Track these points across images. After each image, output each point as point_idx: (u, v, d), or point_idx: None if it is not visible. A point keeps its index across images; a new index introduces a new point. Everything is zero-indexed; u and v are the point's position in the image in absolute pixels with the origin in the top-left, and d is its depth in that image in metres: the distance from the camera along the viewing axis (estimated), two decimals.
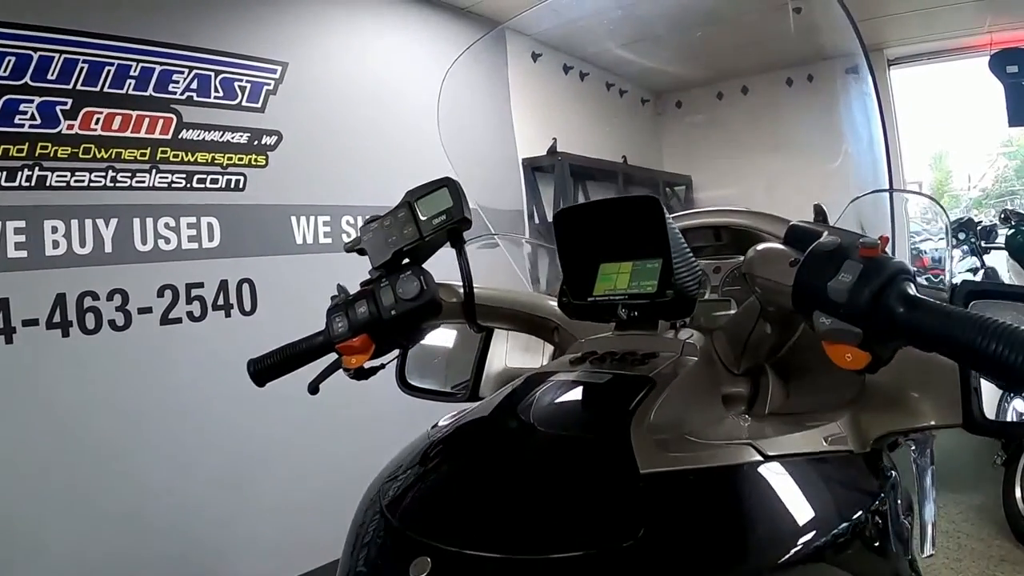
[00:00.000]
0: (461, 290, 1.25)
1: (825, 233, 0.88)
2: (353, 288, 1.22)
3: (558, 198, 5.45)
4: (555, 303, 1.26)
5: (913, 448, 1.14)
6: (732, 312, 1.30)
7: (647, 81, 6.98)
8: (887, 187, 1.52)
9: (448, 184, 1.19)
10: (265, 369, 1.23)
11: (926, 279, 5.80)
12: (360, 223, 4.09)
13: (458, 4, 4.90)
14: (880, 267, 0.80)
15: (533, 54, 5.69)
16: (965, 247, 6.49)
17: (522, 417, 0.92)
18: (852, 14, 1.57)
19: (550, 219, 4.42)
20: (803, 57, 6.35)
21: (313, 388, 1.22)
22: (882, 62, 6.39)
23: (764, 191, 5.92)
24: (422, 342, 1.37)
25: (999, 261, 6.36)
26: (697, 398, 1.00)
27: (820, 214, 1.55)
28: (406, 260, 1.21)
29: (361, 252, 1.23)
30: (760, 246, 1.01)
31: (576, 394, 0.97)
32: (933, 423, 0.97)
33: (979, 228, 6.46)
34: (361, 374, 1.22)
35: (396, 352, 1.28)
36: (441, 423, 1.07)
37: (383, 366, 1.26)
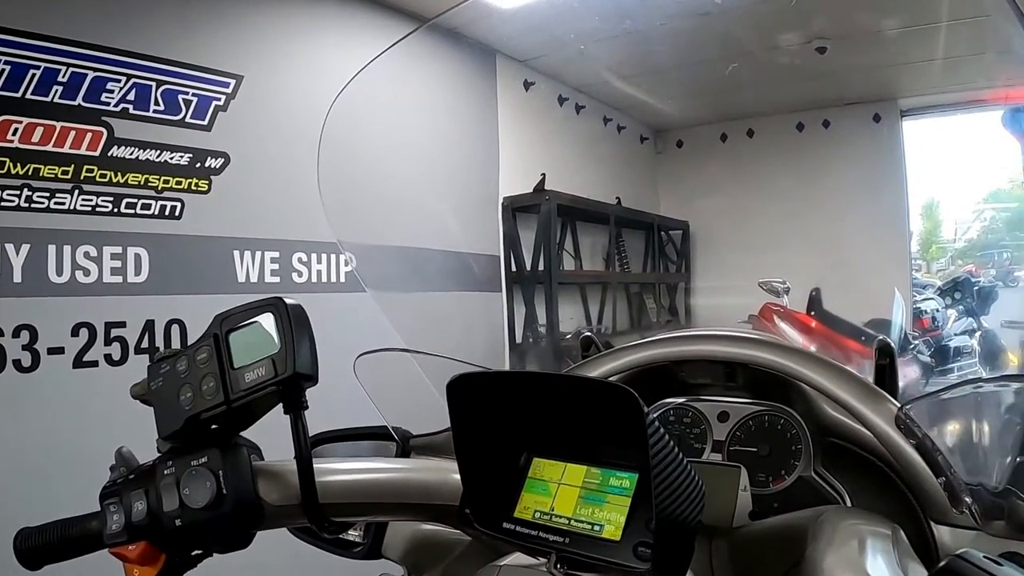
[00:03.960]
0: (297, 480, 0.85)
1: None
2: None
3: (540, 241, 5.28)
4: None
5: None
6: (742, 489, 1.01)
7: (647, 117, 6.89)
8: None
9: (275, 310, 0.83)
10: (35, 549, 0.88)
11: (924, 341, 5.71)
12: (315, 261, 3.96)
13: (446, 24, 4.75)
14: None
15: (526, 82, 5.61)
16: (961, 307, 6.52)
17: None
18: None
19: (529, 266, 4.17)
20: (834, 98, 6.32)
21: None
22: (895, 112, 6.34)
23: (775, 251, 5.89)
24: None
25: (995, 323, 6.42)
26: None
27: (887, 354, 1.21)
28: (215, 425, 0.85)
29: (148, 403, 0.88)
30: None
31: None
32: None
33: (976, 289, 6.50)
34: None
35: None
36: None
37: (211, 553, 0.89)
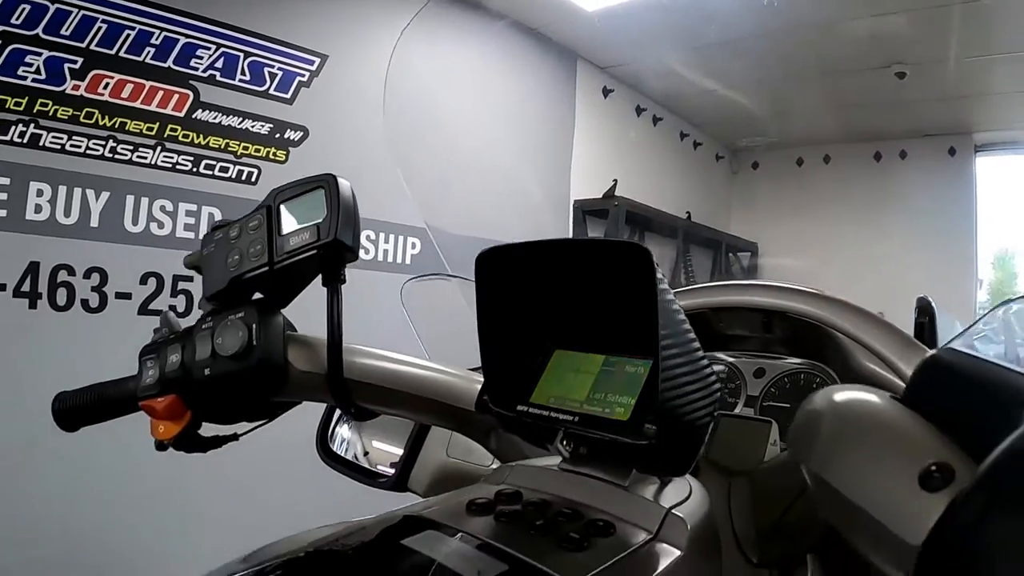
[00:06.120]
0: (326, 352, 0.84)
1: None
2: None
3: None
4: None
5: None
6: (772, 443, 0.95)
7: (725, 135, 6.81)
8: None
9: (326, 185, 0.82)
10: (72, 410, 0.89)
11: None
12: (383, 240, 3.97)
13: (526, 23, 4.76)
14: None
15: (604, 89, 5.57)
16: None
17: None
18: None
19: None
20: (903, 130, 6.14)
21: (159, 444, 0.86)
22: (969, 147, 6.11)
23: (841, 274, 5.74)
24: None
25: None
26: None
27: (926, 312, 1.16)
28: (257, 295, 0.86)
29: (199, 271, 0.90)
30: (840, 395, 0.58)
31: None
32: None
33: None
34: (187, 444, 0.87)
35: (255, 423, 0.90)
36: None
37: (236, 437, 0.90)
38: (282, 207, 0.85)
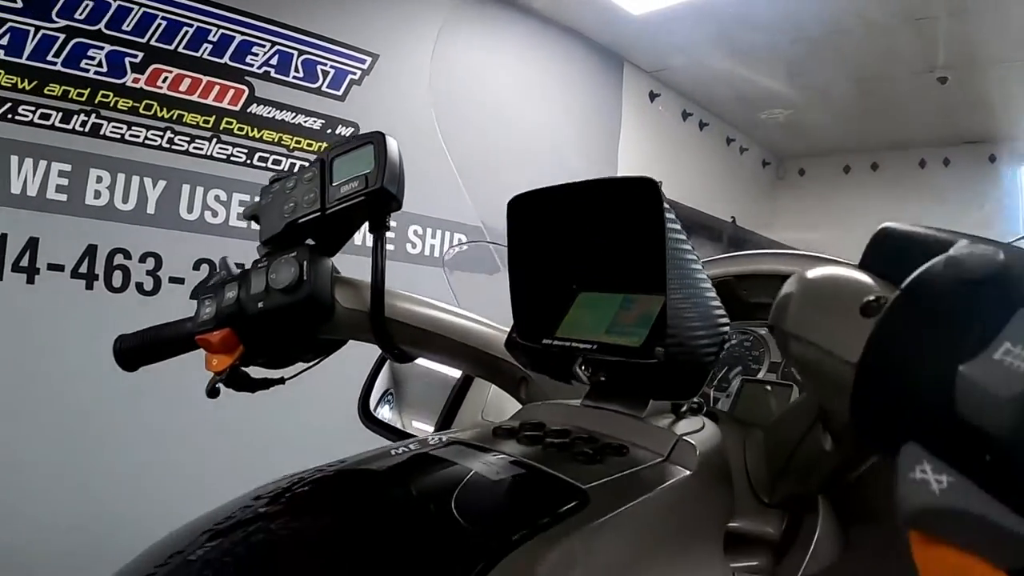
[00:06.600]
0: (370, 293, 0.90)
1: (963, 243, 0.38)
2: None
3: None
4: None
5: None
6: (793, 403, 0.95)
7: (771, 142, 6.75)
8: None
9: (375, 142, 0.88)
10: (131, 350, 0.95)
11: None
12: (430, 236, 4.01)
13: (571, 26, 4.78)
14: None
15: (651, 93, 5.56)
16: None
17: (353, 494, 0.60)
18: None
19: None
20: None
21: (210, 390, 0.92)
22: (1011, 154, 5.97)
23: None
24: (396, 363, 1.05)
25: None
26: (663, 546, 0.58)
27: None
28: (310, 241, 0.92)
29: (257, 220, 0.97)
30: (811, 272, 0.56)
31: (447, 486, 0.56)
32: None
33: None
34: (237, 382, 0.92)
35: (299, 367, 0.97)
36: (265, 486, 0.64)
37: (282, 380, 0.97)
38: (335, 161, 0.90)
